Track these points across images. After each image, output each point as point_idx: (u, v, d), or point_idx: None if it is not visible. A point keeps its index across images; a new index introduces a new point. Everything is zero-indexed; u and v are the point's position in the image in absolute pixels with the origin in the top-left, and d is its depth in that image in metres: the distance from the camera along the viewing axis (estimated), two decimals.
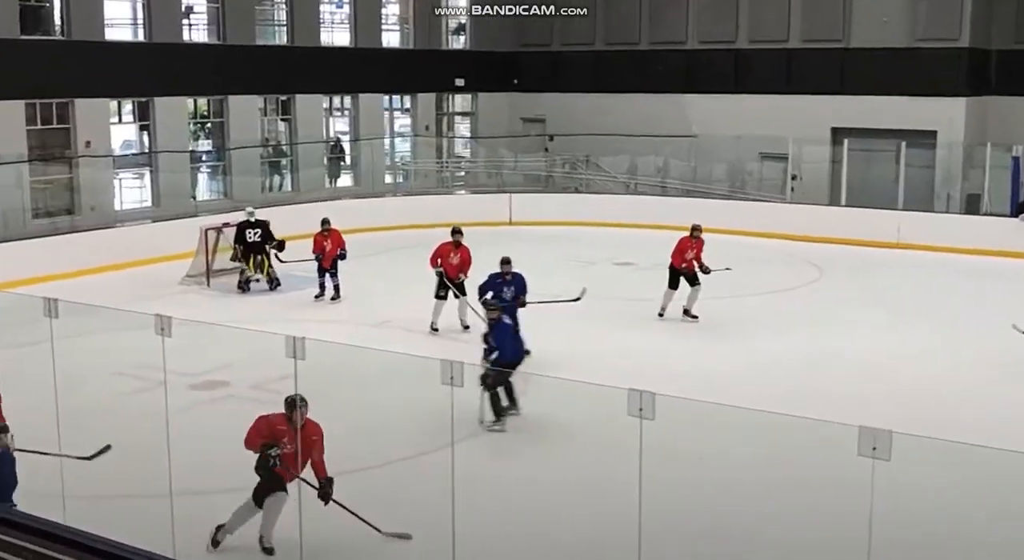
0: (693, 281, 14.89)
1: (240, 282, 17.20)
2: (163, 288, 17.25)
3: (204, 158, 25.98)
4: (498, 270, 12.79)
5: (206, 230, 18.02)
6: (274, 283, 17.21)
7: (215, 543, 7.80)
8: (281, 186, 26.88)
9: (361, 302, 16.35)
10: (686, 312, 14.91)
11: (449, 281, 13.89)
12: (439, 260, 14.06)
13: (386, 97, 29.14)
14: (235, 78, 24.51)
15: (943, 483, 8.61)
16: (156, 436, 7.76)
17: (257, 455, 7.63)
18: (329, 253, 16.27)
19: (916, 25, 24.69)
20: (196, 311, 15.07)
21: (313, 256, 16.38)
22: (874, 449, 5.33)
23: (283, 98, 26.55)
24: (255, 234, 17.16)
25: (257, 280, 17.12)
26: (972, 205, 23.61)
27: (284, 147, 27.08)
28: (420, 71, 28.68)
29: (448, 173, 30.30)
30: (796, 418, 6.85)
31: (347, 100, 28.48)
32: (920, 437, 5.84)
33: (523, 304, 12.69)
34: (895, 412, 10.38)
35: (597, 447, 9.53)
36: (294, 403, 7.54)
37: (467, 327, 14.04)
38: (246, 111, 25.30)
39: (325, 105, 27.88)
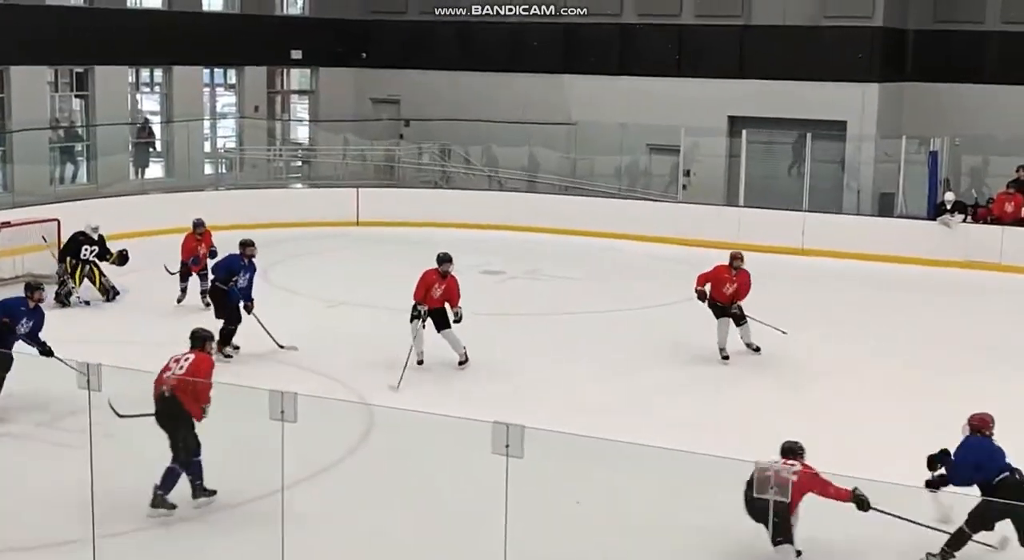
0: (740, 319, 14.36)
1: (60, 294, 16.76)
2: None
3: None
4: (238, 252, 14.29)
5: None
6: (111, 293, 17.17)
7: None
8: (75, 177, 26.13)
9: (185, 320, 16.02)
10: (748, 346, 14.50)
11: (430, 314, 13.67)
12: (423, 292, 13.68)
13: (206, 71, 28.64)
14: (19, 45, 23.70)
15: (852, 535, 8.89)
16: None
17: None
18: (203, 258, 16.57)
19: (824, 1, 25.51)
20: None
21: (188, 261, 16.64)
22: (772, 489, 5.50)
23: (78, 70, 25.80)
24: (90, 252, 17.08)
25: (87, 302, 16.86)
26: (885, 206, 24.50)
27: (79, 130, 26.34)
28: (248, 40, 28.27)
29: (282, 163, 29.95)
30: (684, 453, 7.00)
31: (158, 74, 27.86)
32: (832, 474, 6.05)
33: (248, 309, 14.04)
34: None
35: (458, 491, 9.54)
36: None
37: (465, 360, 13.80)
38: (32, 85, 24.51)
39: (131, 79, 27.22)
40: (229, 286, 14.00)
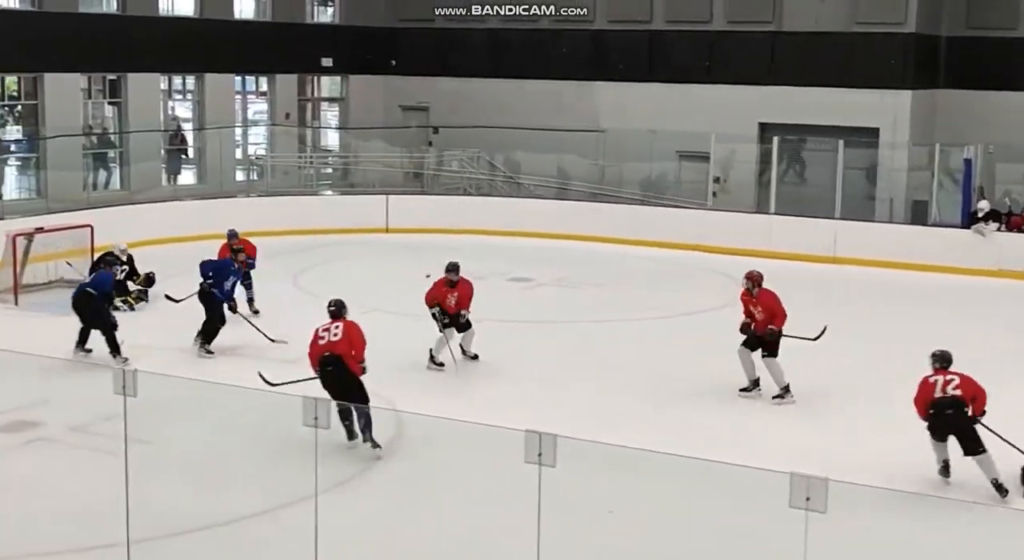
0: (766, 348, 12.93)
1: None
2: None
3: (13, 148, 25.28)
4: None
5: (14, 236, 17.57)
6: (144, 297, 17.38)
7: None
8: (108, 183, 26.31)
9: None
10: (784, 388, 12.98)
11: (448, 318, 13.98)
12: (432, 300, 14.03)
13: (238, 78, 28.77)
14: (53, 52, 23.90)
15: (884, 537, 8.84)
16: None
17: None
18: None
19: (856, 7, 25.39)
20: (1, 335, 14.63)
21: None
22: (808, 499, 5.45)
23: (111, 77, 25.97)
24: (121, 272, 17.02)
25: (131, 308, 16.93)
26: (918, 214, 24.34)
27: (112, 136, 26.51)
28: (279, 48, 28.39)
29: (313, 170, 30.04)
30: (720, 464, 6.97)
31: (190, 81, 28.01)
32: (860, 486, 6.01)
33: (232, 308, 14.89)
34: (826, 456, 10.62)
35: (488, 500, 9.54)
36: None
37: (476, 357, 14.32)
38: (66, 92, 24.67)
39: (163, 86, 27.38)
40: (213, 288, 14.50)
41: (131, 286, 17.32)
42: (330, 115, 31.93)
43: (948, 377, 10.27)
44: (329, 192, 28.74)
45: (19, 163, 25.36)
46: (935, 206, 23.76)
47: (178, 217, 22.28)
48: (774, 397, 12.90)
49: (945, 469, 10.24)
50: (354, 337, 11.04)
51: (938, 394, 10.18)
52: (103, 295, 14.12)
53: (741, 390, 13.10)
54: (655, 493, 9.30)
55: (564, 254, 22.27)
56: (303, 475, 7.17)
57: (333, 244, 22.45)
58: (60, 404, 11.65)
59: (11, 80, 24.95)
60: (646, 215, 24.35)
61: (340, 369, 10.82)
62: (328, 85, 31.44)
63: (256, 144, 29.80)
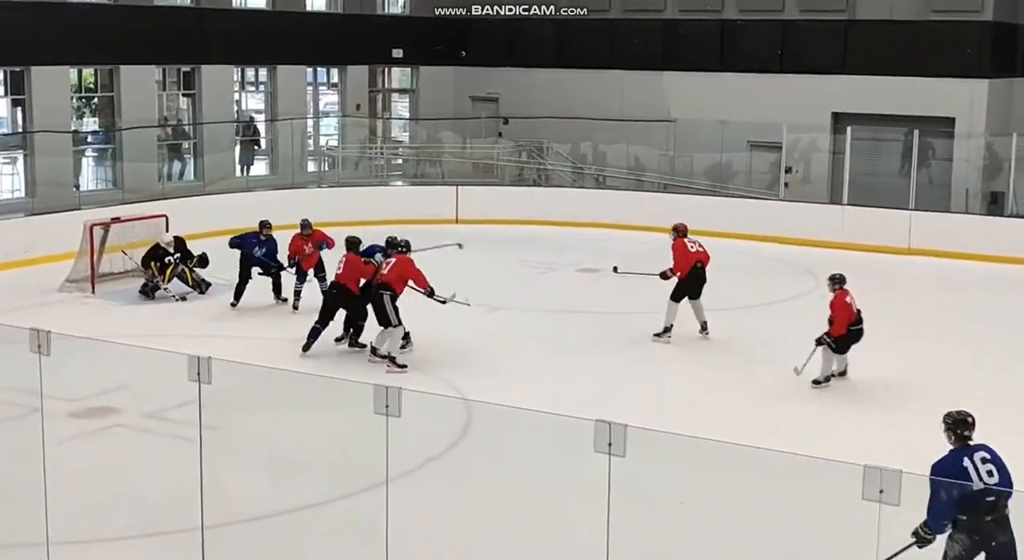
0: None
1: (148, 285, 17.19)
2: (39, 296, 17.01)
3: (90, 140, 25.69)
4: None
5: (91, 226, 17.86)
6: (203, 286, 17.48)
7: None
8: (183, 174, 26.66)
9: (285, 316, 16.31)
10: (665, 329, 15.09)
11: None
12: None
13: (310, 70, 29.02)
14: (128, 45, 24.26)
15: None
16: (30, 473, 7.65)
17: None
18: (311, 257, 16.46)
19: None
20: (79, 323, 14.90)
21: (292, 259, 16.48)
22: (881, 492, 5.40)
23: (186, 69, 26.32)
24: (174, 258, 17.31)
25: (182, 298, 17.14)
26: (995, 205, 23.98)
27: (186, 128, 26.86)
28: (350, 40, 28.59)
29: (383, 161, 30.22)
30: (791, 455, 6.92)
31: (263, 73, 28.30)
32: (932, 478, 5.94)
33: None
34: (900, 450, 10.48)
35: (558, 489, 9.54)
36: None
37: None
38: (141, 84, 25.05)
39: (236, 78, 27.69)
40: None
41: (192, 274, 17.46)
42: (400, 106, 32.09)
43: (850, 297, 12.72)
44: (399, 183, 28.90)
45: (96, 154, 25.76)
46: (1012, 197, 23.36)
47: (251, 208, 22.49)
48: (655, 334, 14.97)
49: (844, 373, 12.86)
50: (359, 269, 13.86)
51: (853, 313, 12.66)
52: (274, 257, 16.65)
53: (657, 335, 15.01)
54: (726, 484, 9.25)
55: (633, 245, 22.17)
56: (373, 463, 7.22)
57: (403, 234, 22.50)
58: (136, 391, 11.83)
59: (88, 73, 25.36)
60: (717, 205, 24.19)
61: (344, 294, 13.78)
62: (399, 76, 31.61)
63: (327, 135, 30.04)
